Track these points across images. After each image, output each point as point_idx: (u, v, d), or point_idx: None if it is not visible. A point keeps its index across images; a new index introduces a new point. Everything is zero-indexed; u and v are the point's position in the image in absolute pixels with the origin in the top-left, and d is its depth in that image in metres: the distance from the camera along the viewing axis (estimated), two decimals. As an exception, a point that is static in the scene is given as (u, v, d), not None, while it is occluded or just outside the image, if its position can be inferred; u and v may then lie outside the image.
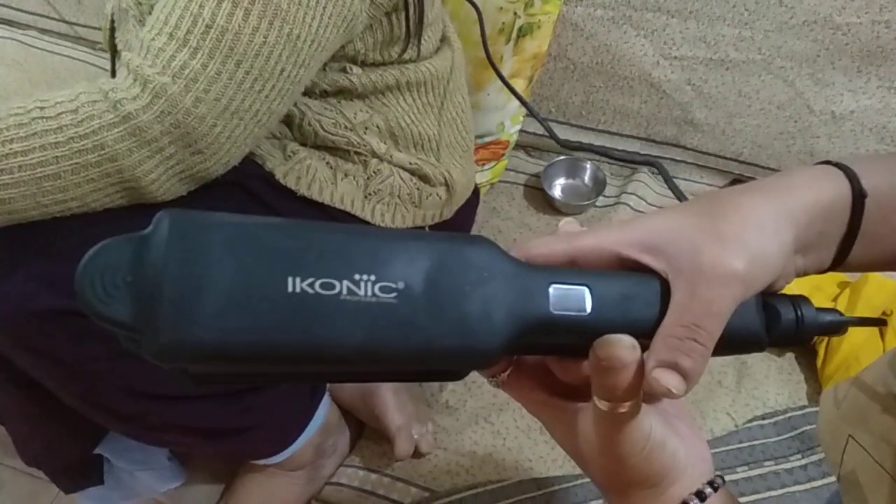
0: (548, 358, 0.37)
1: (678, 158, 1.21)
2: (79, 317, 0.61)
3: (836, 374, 0.96)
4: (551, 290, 0.32)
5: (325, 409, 0.88)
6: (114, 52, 0.84)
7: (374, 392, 0.90)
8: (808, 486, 0.86)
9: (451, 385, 0.96)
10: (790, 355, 1.02)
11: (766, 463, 0.88)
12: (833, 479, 0.85)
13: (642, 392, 0.32)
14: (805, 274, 0.36)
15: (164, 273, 0.26)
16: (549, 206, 1.21)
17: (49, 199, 0.59)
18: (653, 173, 1.22)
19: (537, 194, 1.23)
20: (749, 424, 0.92)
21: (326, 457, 0.90)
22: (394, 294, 0.28)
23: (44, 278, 0.61)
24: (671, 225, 0.33)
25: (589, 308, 0.32)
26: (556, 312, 0.31)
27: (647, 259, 0.33)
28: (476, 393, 0.95)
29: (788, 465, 0.88)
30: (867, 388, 0.38)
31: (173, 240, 0.26)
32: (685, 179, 1.23)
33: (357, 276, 0.28)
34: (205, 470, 0.98)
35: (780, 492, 0.85)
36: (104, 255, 0.26)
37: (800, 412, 0.94)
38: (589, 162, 1.23)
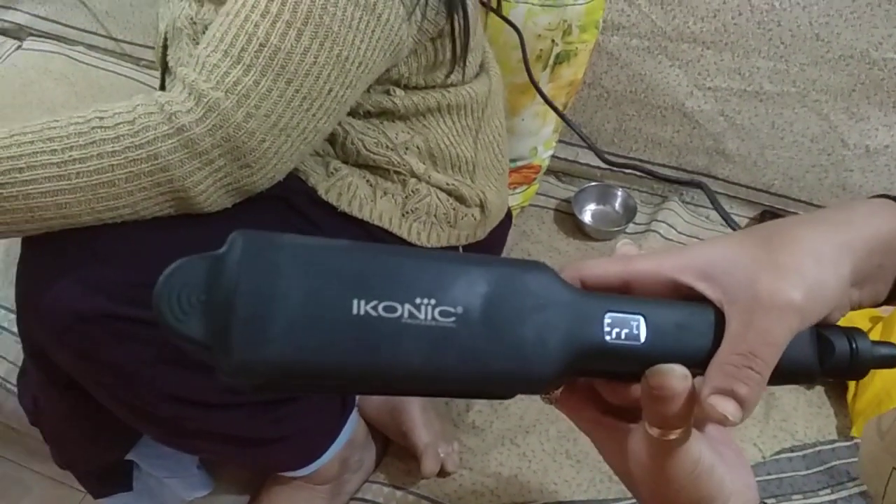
0: (596, 380, 0.37)
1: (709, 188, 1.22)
2: (122, 320, 0.63)
3: (867, 409, 0.95)
4: (606, 318, 0.32)
5: (353, 425, 0.88)
6: (164, 69, 0.87)
7: (402, 409, 0.91)
8: (836, 521, 0.85)
9: (477, 405, 0.96)
10: (819, 388, 1.01)
11: (795, 497, 0.87)
12: (863, 515, 0.84)
13: (693, 419, 0.32)
14: (860, 307, 0.36)
15: (236, 293, 0.27)
16: (579, 231, 1.21)
17: (103, 205, 0.61)
18: (684, 202, 1.23)
19: (567, 219, 1.23)
20: (777, 457, 0.91)
21: (352, 472, 0.91)
22: (452, 318, 0.29)
23: (91, 282, 0.63)
24: (728, 254, 0.33)
25: (643, 337, 0.32)
26: (610, 341, 0.32)
27: (702, 287, 0.33)
28: (503, 414, 0.95)
29: (818, 500, 0.87)
30: None
31: (246, 260, 0.27)
32: (713, 209, 1.23)
33: (418, 300, 0.29)
34: (232, 480, 0.99)
35: (809, 526, 0.84)
36: (180, 274, 0.27)
37: (829, 446, 0.93)
38: (620, 189, 1.24)
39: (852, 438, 0.93)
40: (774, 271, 0.31)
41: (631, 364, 0.32)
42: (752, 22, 1.06)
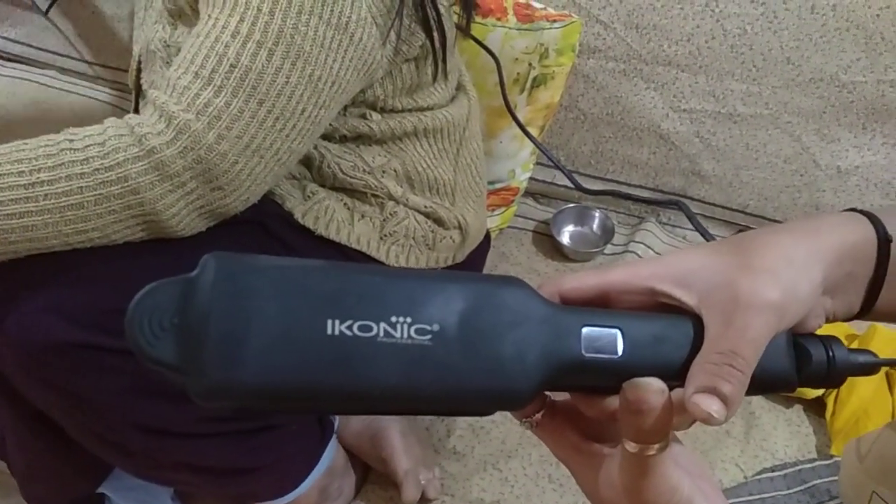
0: (574, 394, 0.37)
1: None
2: (94, 350, 0.61)
3: (845, 427, 0.96)
4: (583, 332, 0.32)
5: (332, 452, 0.87)
6: (138, 93, 0.86)
7: (382, 435, 0.89)
8: (819, 541, 0.85)
9: (458, 430, 0.95)
10: (798, 407, 1.02)
11: (777, 517, 0.87)
12: (845, 535, 0.83)
13: (670, 434, 0.32)
14: (836, 318, 0.37)
15: (209, 315, 0.27)
16: (558, 252, 1.22)
17: (71, 228, 0.59)
18: (661, 223, 1.24)
19: (546, 240, 1.24)
20: (759, 476, 0.91)
21: (332, 500, 0.89)
22: (429, 336, 0.29)
23: (59, 310, 0.61)
24: (703, 261, 0.34)
25: (620, 350, 0.32)
26: (588, 355, 0.32)
27: (679, 293, 0.34)
28: (484, 439, 0.94)
29: (799, 520, 0.87)
30: None
31: (218, 283, 0.27)
32: (691, 230, 1.24)
33: (394, 319, 0.29)
34: (207, 511, 0.96)
35: (792, 547, 0.84)
36: (152, 298, 0.27)
37: (809, 465, 0.93)
38: (598, 210, 1.24)
39: (832, 457, 0.94)
40: (750, 273, 0.32)
41: (608, 377, 0.32)
42: (725, 45, 1.08)
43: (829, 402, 0.98)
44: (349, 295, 0.28)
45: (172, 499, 0.92)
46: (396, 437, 0.88)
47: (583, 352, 0.32)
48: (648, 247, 1.19)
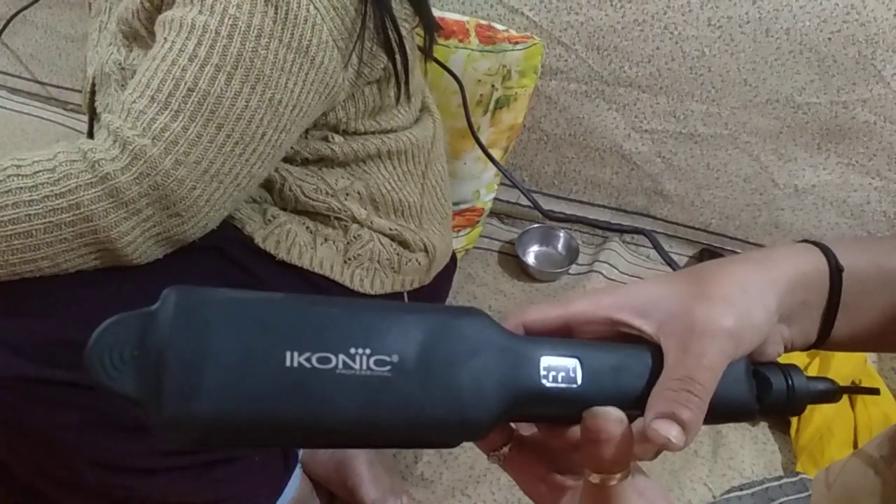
0: (538, 425, 0.36)
1: (648, 228, 1.24)
2: (43, 384, 0.58)
3: (809, 444, 0.97)
4: (542, 362, 0.32)
5: (296, 482, 0.84)
6: (92, 115, 0.83)
7: (349, 465, 0.87)
8: (787, 559, 0.85)
9: (426, 457, 0.94)
10: (763, 425, 1.02)
11: (746, 536, 0.87)
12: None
13: (632, 462, 0.32)
14: (794, 347, 0.37)
15: (168, 348, 0.27)
16: (523, 272, 1.21)
17: (18, 257, 0.57)
18: (625, 242, 1.24)
19: (511, 261, 1.23)
20: (727, 496, 0.91)
21: (297, 532, 0.87)
22: (388, 367, 0.29)
23: (7, 342, 0.58)
24: (662, 291, 0.35)
25: (580, 380, 0.32)
26: (547, 385, 0.32)
27: (639, 322, 0.34)
28: (452, 465, 0.92)
29: (768, 538, 0.87)
30: (865, 456, 0.38)
31: (178, 316, 0.27)
32: (654, 249, 1.25)
33: (353, 350, 0.29)
34: (165, 547, 0.93)
35: (761, 566, 0.84)
36: (112, 331, 0.27)
37: (776, 483, 0.93)
38: (562, 230, 1.25)
39: (797, 474, 0.94)
40: (706, 302, 0.33)
41: (568, 407, 0.33)
42: (685, 67, 1.10)
43: (794, 420, 0.99)
44: (308, 327, 0.28)
45: (128, 536, 0.89)
46: (363, 466, 0.86)
47: (542, 381, 0.32)
48: (613, 266, 1.19)
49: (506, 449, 0.36)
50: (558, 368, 0.32)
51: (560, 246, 1.25)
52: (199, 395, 0.26)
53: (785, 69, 1.06)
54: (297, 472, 0.85)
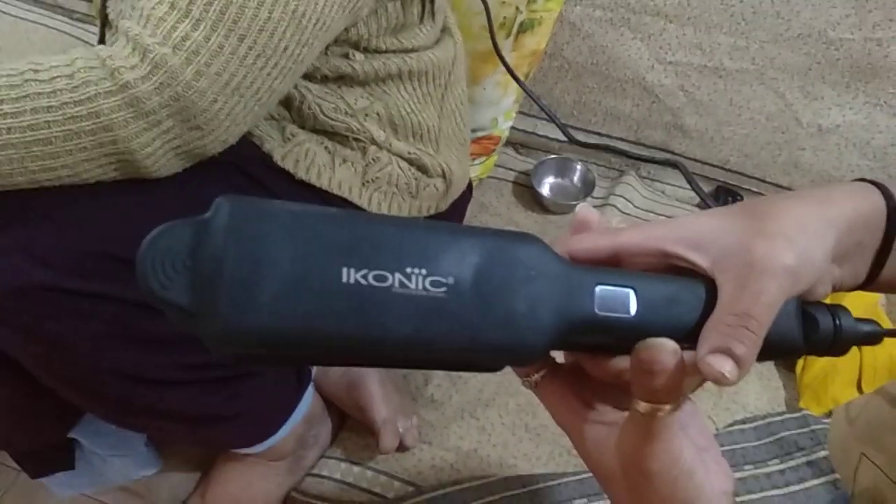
0: (580, 355, 0.36)
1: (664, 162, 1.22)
2: (66, 293, 0.59)
3: (813, 382, 0.98)
4: (597, 290, 0.32)
5: (308, 400, 0.86)
6: (104, 23, 0.81)
7: (360, 384, 0.89)
8: (785, 490, 0.87)
9: (436, 379, 0.95)
10: (769, 362, 1.03)
11: (746, 467, 0.89)
12: (810, 483, 0.86)
13: (685, 390, 0.32)
14: (842, 287, 0.37)
15: (224, 259, 0.26)
16: (538, 203, 1.20)
17: (38, 164, 0.56)
18: (641, 177, 1.23)
19: (525, 192, 1.22)
20: (730, 429, 0.93)
21: (308, 448, 0.89)
22: (443, 289, 0.29)
23: (31, 251, 0.58)
24: (717, 224, 0.34)
25: (633, 310, 0.32)
26: (601, 313, 0.32)
27: (693, 256, 0.34)
28: (462, 388, 0.94)
29: (767, 470, 0.89)
30: (888, 394, 0.39)
31: (233, 226, 0.27)
32: (670, 184, 1.24)
33: (409, 270, 0.28)
34: (181, 458, 0.95)
35: (759, 496, 0.86)
36: (164, 239, 0.27)
37: (779, 418, 0.95)
38: (579, 162, 1.23)
39: (800, 410, 0.96)
40: (765, 238, 0.33)
41: (620, 337, 0.33)
42: (715, -3, 1.06)
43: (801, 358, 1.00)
44: (365, 244, 0.28)
45: (146, 444, 0.91)
46: (374, 385, 0.88)
47: (596, 310, 0.32)
48: (628, 200, 1.18)
49: (538, 375, 0.37)
50: (612, 298, 0.32)
51: (576, 178, 1.24)
52: (254, 307, 0.26)
53: (820, 2, 1.02)
54: (310, 390, 0.87)
